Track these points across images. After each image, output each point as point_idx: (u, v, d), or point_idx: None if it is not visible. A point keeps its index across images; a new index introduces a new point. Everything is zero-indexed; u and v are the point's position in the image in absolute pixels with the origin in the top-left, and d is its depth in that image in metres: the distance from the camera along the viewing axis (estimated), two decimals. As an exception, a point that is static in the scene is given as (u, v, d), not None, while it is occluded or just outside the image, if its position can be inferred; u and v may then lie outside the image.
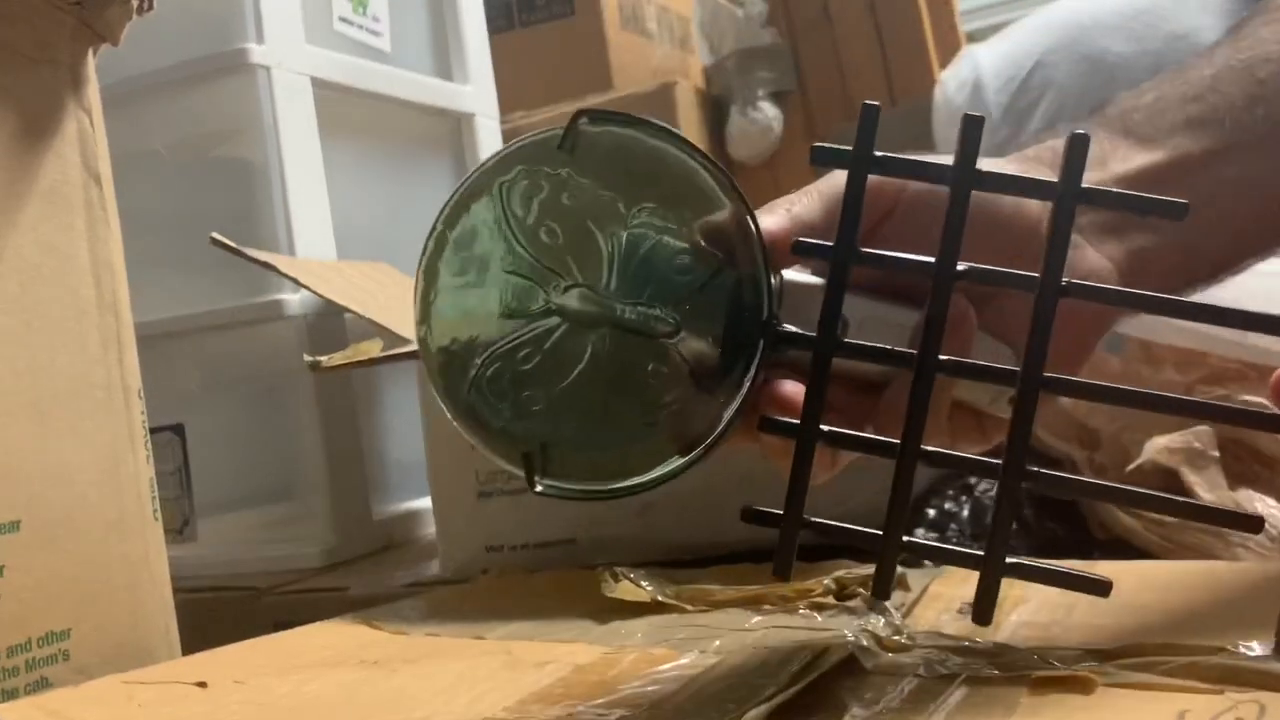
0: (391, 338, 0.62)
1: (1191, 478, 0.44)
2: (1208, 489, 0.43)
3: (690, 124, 1.05)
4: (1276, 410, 0.30)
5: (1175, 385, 0.46)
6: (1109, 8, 0.72)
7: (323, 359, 0.53)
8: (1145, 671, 0.28)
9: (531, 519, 0.55)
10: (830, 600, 0.39)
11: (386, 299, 0.70)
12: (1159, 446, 0.45)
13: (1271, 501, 0.42)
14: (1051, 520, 0.47)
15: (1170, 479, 0.45)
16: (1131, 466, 0.46)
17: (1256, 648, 0.29)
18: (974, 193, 0.29)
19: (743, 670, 0.31)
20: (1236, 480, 0.43)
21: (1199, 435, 0.44)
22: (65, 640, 0.42)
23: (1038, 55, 0.73)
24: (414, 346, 0.55)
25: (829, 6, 1.10)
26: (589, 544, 0.54)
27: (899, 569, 0.41)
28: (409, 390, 0.81)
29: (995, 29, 0.96)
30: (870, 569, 0.40)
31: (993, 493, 0.49)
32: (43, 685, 0.41)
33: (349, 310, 0.66)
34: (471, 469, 0.55)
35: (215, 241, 0.65)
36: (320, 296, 0.66)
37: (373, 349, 0.54)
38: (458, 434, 0.55)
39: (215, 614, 0.66)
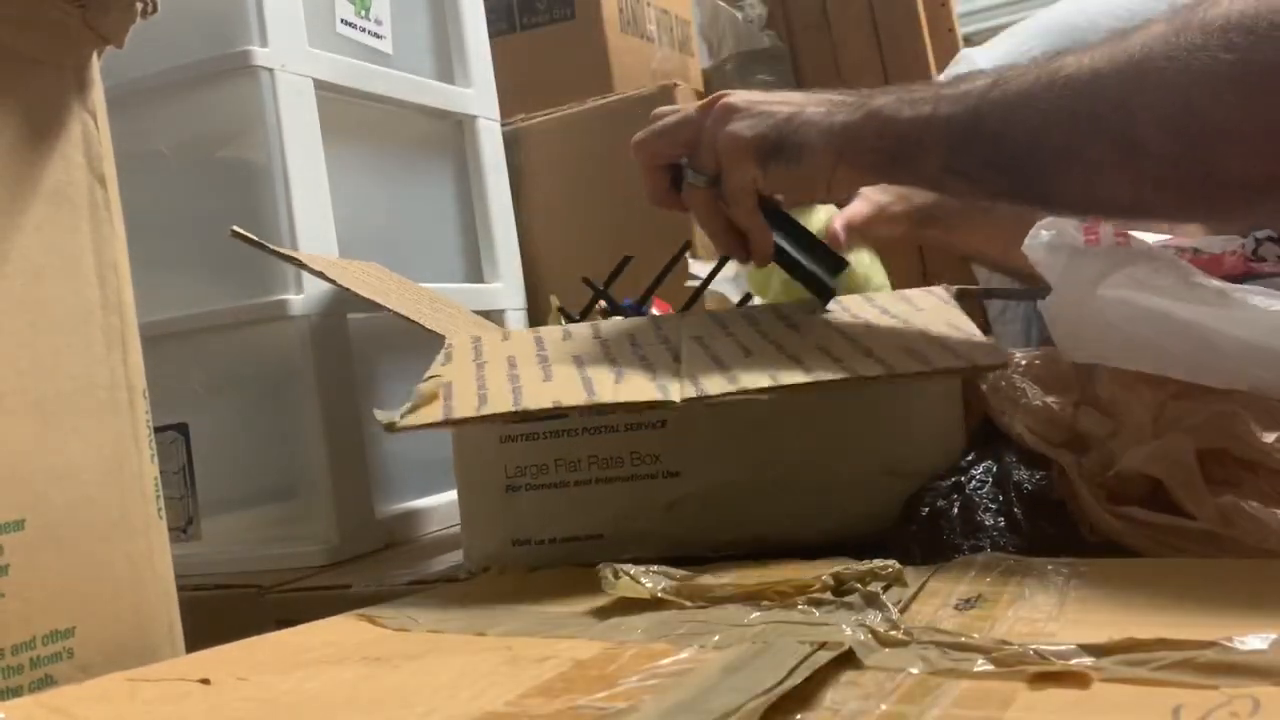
0: (403, 329, 0.61)
1: (1173, 485, 0.44)
2: (1188, 495, 0.44)
3: (690, 126, 1.06)
4: None
5: (1149, 401, 0.47)
6: (1105, 10, 0.72)
7: (396, 419, 0.51)
8: (1140, 667, 0.29)
9: (559, 513, 0.55)
10: (828, 596, 0.39)
11: (401, 296, 0.70)
12: (1140, 453, 0.45)
13: (1255, 504, 0.42)
14: (1041, 520, 0.47)
15: (1155, 486, 0.45)
16: (1112, 472, 0.46)
17: (1250, 642, 0.29)
18: None
19: (741, 665, 0.32)
20: (1218, 486, 0.43)
21: (1177, 443, 0.44)
22: (69, 638, 0.43)
23: (1035, 58, 0.73)
24: (470, 413, 0.53)
25: (828, 10, 1.10)
26: (617, 539, 0.54)
27: (897, 565, 0.41)
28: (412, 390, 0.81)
29: (993, 32, 0.97)
30: (868, 565, 0.41)
31: (984, 491, 0.49)
32: (47, 683, 0.41)
33: (381, 307, 0.65)
34: (500, 463, 0.55)
35: (237, 234, 0.65)
36: (349, 291, 0.66)
37: (434, 413, 0.51)
38: (487, 427, 0.54)
39: (218, 612, 0.66)
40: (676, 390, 0.50)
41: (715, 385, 0.51)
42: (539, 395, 0.51)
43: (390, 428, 0.50)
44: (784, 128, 0.56)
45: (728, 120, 0.57)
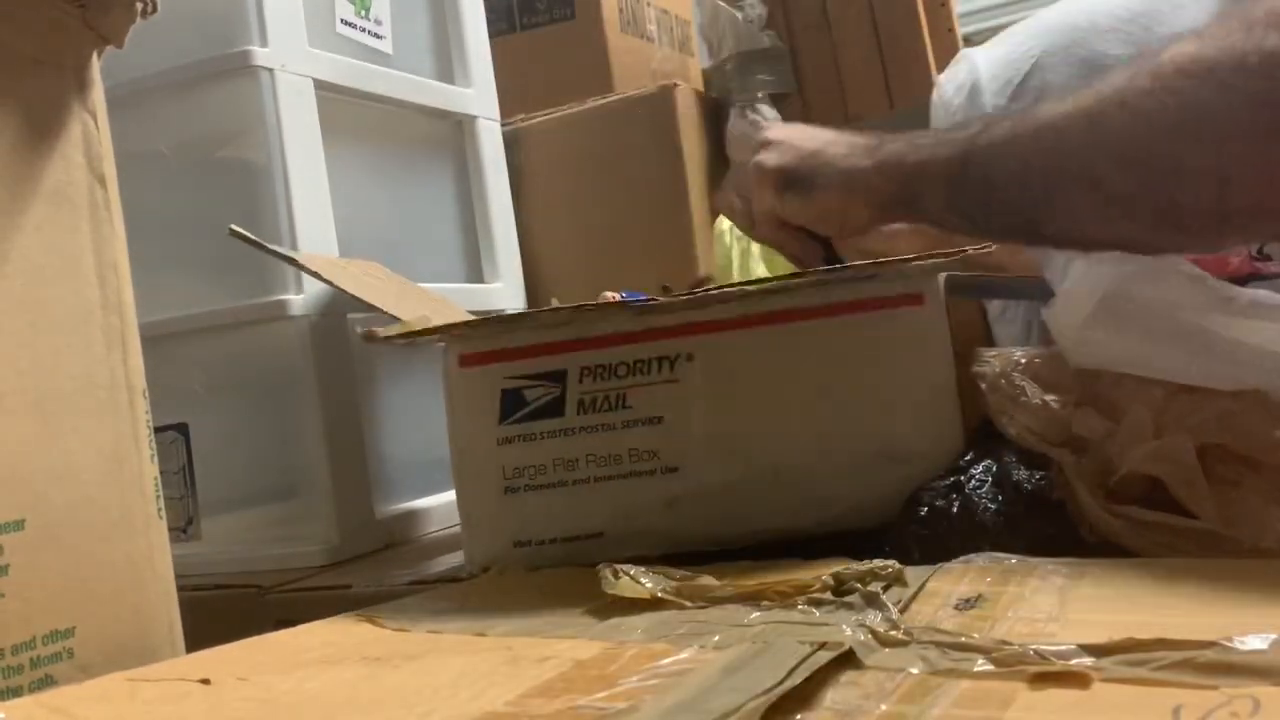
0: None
1: (1174, 483, 0.44)
2: (1190, 494, 0.44)
3: (690, 126, 1.05)
4: None
5: (1156, 398, 0.47)
6: (1105, 10, 0.72)
7: (379, 330, 0.52)
8: (1140, 667, 0.29)
9: (559, 513, 0.55)
10: (828, 596, 0.39)
11: (398, 295, 0.70)
12: (1141, 454, 0.45)
13: (1256, 502, 0.42)
14: (1040, 520, 0.47)
15: (1155, 486, 0.45)
16: (1116, 478, 0.46)
17: (1250, 642, 0.29)
18: None
19: (741, 665, 0.32)
20: (1220, 484, 0.43)
21: (1179, 442, 0.44)
22: (69, 638, 0.43)
23: (1035, 58, 0.73)
24: (455, 319, 0.55)
25: (828, 10, 1.10)
26: (618, 537, 0.54)
27: (897, 565, 0.41)
28: (412, 390, 0.81)
29: (993, 32, 0.97)
30: (868, 565, 0.41)
31: (984, 490, 0.49)
32: (47, 683, 0.41)
33: (377, 309, 0.65)
34: (498, 464, 0.55)
35: (235, 234, 0.65)
36: (345, 292, 0.66)
37: (423, 322, 0.53)
38: (483, 429, 0.55)
39: (218, 612, 0.66)
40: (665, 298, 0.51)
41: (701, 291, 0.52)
42: (522, 313, 0.53)
43: (369, 337, 0.51)
44: (802, 164, 0.62)
45: (761, 151, 0.64)
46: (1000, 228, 0.55)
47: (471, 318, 0.77)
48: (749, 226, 0.68)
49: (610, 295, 0.79)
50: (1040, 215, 0.51)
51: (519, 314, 0.51)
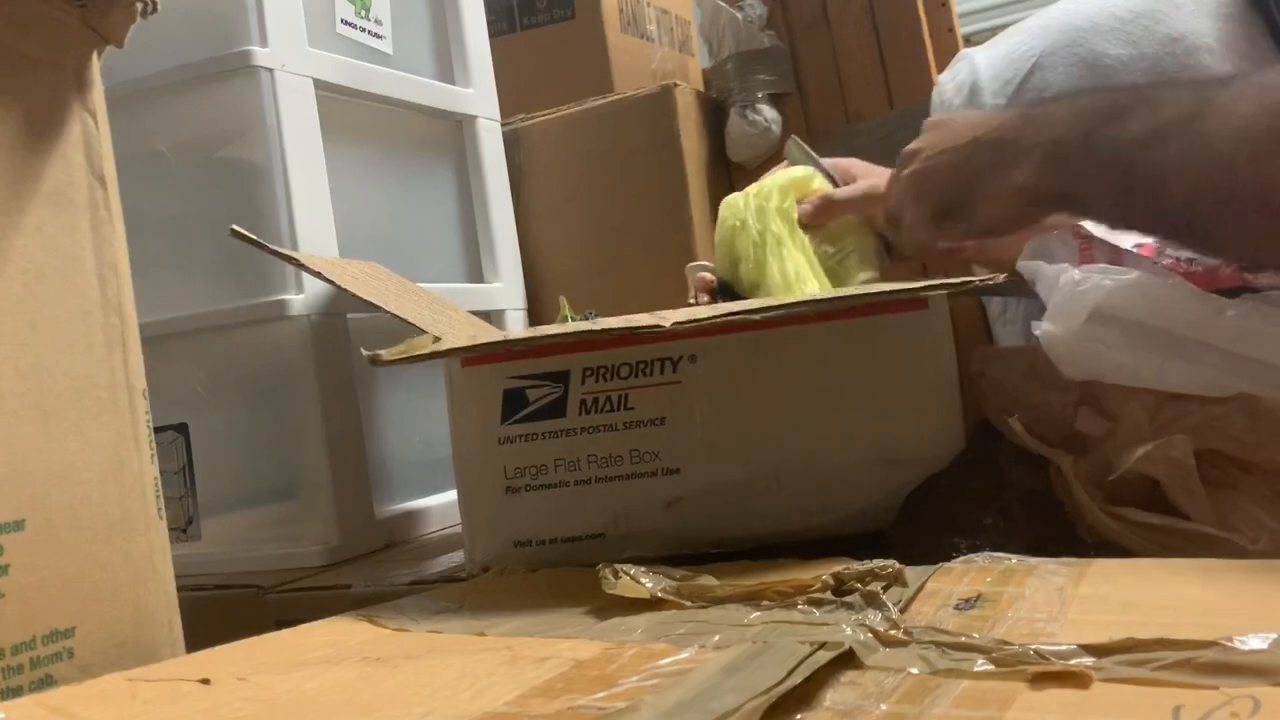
0: (413, 332, 0.62)
1: (1171, 485, 0.44)
2: (1186, 496, 0.44)
3: (690, 126, 1.06)
4: None
5: (1146, 400, 0.47)
6: (1105, 10, 0.72)
7: (382, 353, 0.52)
8: (1140, 667, 0.29)
9: (560, 514, 0.55)
10: (828, 596, 0.39)
11: (398, 295, 0.70)
12: (1139, 455, 0.45)
13: (1251, 505, 0.42)
14: (1041, 520, 0.47)
15: (1151, 487, 0.46)
16: (1113, 476, 0.46)
17: (1250, 642, 0.29)
18: None
19: (741, 665, 0.32)
20: (1215, 487, 0.44)
21: (1176, 443, 0.45)
22: (69, 638, 0.43)
23: (1035, 58, 0.73)
24: (460, 344, 0.55)
25: (828, 10, 1.10)
26: (618, 538, 0.55)
27: (897, 565, 0.41)
28: (412, 390, 0.81)
29: (992, 32, 0.97)
30: (868, 565, 0.41)
31: (984, 491, 0.49)
32: (47, 683, 0.41)
33: (382, 309, 0.65)
34: (499, 464, 0.55)
35: (236, 234, 0.65)
36: (346, 291, 0.66)
37: (425, 344, 0.53)
38: (485, 429, 0.55)
39: (218, 612, 0.66)
40: (669, 320, 0.50)
41: (706, 314, 0.52)
42: (526, 335, 0.52)
43: (374, 360, 0.51)
44: (957, 191, 0.59)
45: (907, 175, 0.63)
46: (1176, 243, 0.53)
47: (472, 318, 0.78)
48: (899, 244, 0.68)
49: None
50: (1217, 241, 0.49)
51: (520, 336, 0.51)
